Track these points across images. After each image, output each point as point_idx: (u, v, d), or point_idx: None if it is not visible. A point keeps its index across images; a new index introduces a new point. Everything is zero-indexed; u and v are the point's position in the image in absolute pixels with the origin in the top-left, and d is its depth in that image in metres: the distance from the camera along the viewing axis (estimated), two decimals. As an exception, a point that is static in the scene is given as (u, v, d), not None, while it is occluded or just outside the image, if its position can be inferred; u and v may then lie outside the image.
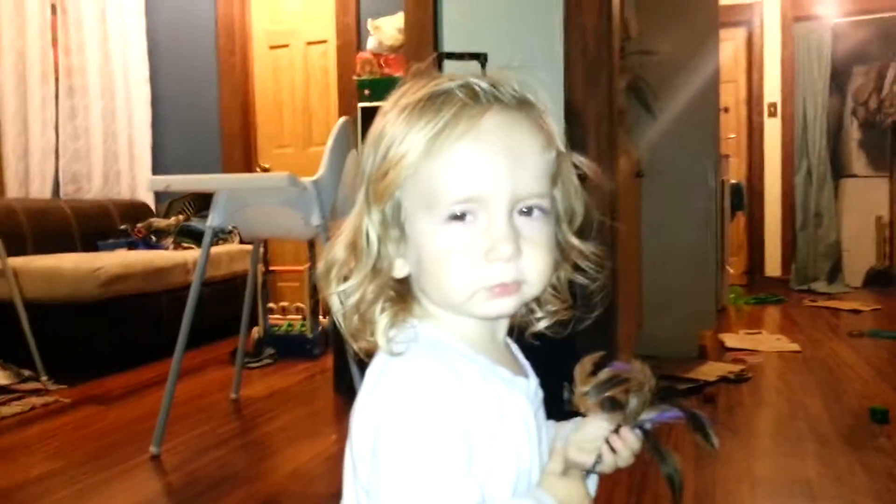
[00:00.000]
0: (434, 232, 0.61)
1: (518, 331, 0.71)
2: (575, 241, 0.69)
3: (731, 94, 5.60)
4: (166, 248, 3.95)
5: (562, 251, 0.68)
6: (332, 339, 2.75)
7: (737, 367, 2.86)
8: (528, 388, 0.67)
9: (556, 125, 0.66)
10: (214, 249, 3.83)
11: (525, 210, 0.62)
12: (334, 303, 0.65)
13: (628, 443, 0.66)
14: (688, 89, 3.12)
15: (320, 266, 0.66)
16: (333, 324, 2.37)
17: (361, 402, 0.62)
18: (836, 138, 5.71)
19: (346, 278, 0.64)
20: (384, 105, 0.65)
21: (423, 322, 0.65)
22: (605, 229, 0.74)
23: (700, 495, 1.70)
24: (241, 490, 1.77)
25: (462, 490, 0.56)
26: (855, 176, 5.60)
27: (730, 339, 3.45)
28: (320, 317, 3.34)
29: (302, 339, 3.31)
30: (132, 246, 3.93)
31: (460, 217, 0.60)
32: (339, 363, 2.62)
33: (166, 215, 4.38)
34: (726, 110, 5.25)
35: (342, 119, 2.25)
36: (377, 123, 0.64)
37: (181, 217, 4.30)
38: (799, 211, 5.60)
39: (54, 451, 2.12)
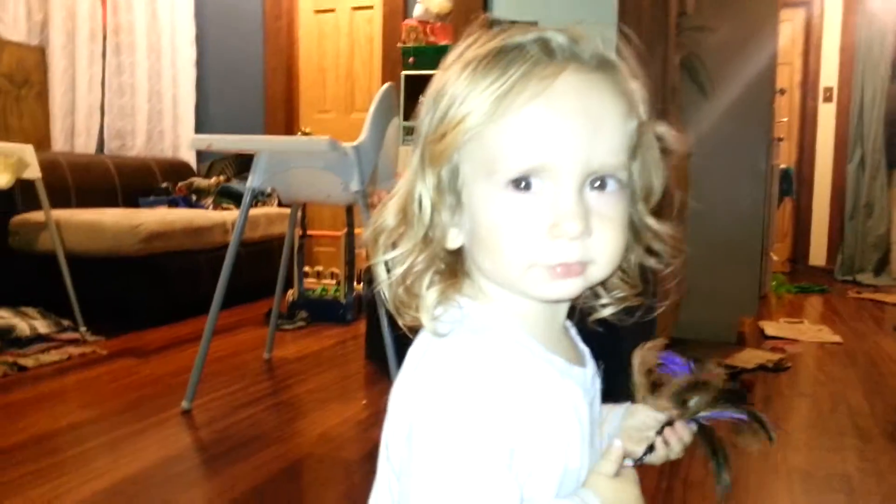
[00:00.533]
0: (493, 199, 0.55)
1: (579, 315, 0.65)
2: (651, 221, 0.63)
3: (786, 77, 5.42)
4: (206, 208, 3.98)
5: (635, 232, 0.62)
6: (366, 306, 2.74)
7: (776, 356, 2.79)
8: (584, 378, 0.62)
9: (641, 91, 0.59)
10: (253, 211, 3.85)
11: (598, 183, 0.56)
12: (380, 272, 0.59)
13: (682, 437, 0.63)
14: (743, 70, 3.01)
15: (368, 232, 0.60)
16: (368, 291, 2.36)
17: (400, 383, 0.58)
18: (894, 127, 5.49)
19: (394, 246, 0.59)
20: (447, 58, 0.58)
21: (474, 301, 0.60)
22: (682, 209, 0.67)
23: (734, 485, 1.66)
24: (270, 450, 1.78)
25: (499, 488, 0.51)
26: (911, 166, 5.40)
27: (770, 327, 3.37)
28: (355, 283, 3.34)
29: (335, 304, 3.32)
30: (173, 204, 3.97)
31: (524, 186, 0.54)
32: (371, 330, 2.61)
33: (207, 175, 4.41)
34: (782, 92, 5.08)
35: (386, 85, 2.22)
36: (438, 79, 0.58)
37: (222, 178, 4.32)
38: (849, 200, 5.42)
39: (89, 400, 2.15)
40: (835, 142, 5.46)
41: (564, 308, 0.63)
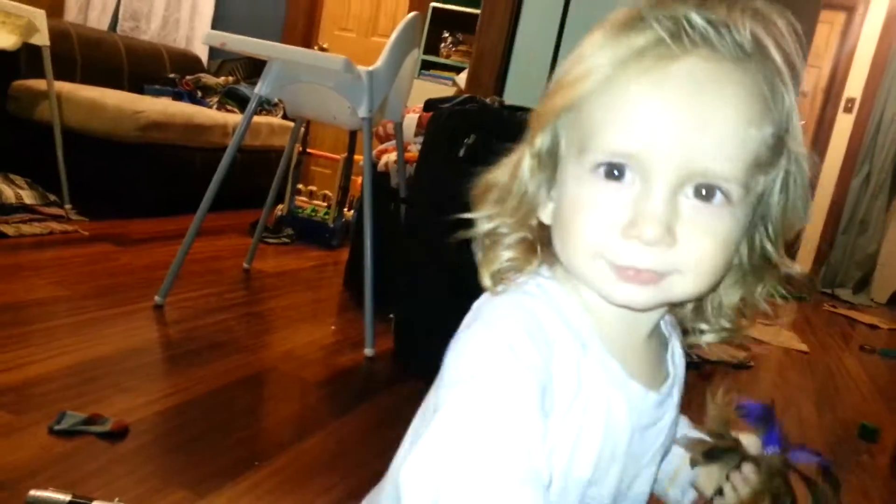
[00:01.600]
0: (579, 180, 0.51)
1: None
2: (775, 252, 0.56)
3: (811, 80, 5.36)
4: (210, 106, 3.93)
5: (760, 265, 0.57)
6: (353, 235, 2.74)
7: (741, 354, 2.84)
8: (642, 399, 0.56)
9: (790, 99, 0.51)
10: (256, 119, 3.81)
11: (703, 192, 0.49)
12: (478, 225, 0.58)
13: (749, 481, 0.60)
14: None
15: (479, 184, 0.58)
16: (356, 218, 2.36)
17: (453, 340, 0.55)
18: (907, 150, 5.47)
19: (499, 202, 0.57)
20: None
21: (552, 280, 0.56)
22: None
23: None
24: (235, 358, 1.81)
25: (528, 427, 0.47)
26: (914, 192, 5.39)
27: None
28: (346, 210, 3.34)
29: (322, 226, 3.32)
30: (177, 96, 3.91)
31: (614, 174, 0.49)
32: (353, 259, 2.62)
33: (216, 73, 4.35)
34: (804, 95, 5.02)
35: (412, 14, 2.17)
36: (576, 46, 0.54)
37: (230, 78, 4.26)
38: (846, 213, 5.43)
39: (63, 278, 2.16)
40: (845, 153, 5.43)
41: (647, 319, 0.58)
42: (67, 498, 1.04)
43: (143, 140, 3.08)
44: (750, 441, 0.60)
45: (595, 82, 0.50)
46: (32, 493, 1.06)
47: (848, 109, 5.40)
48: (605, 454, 0.55)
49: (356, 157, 3.09)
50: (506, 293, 0.55)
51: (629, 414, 0.55)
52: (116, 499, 1.08)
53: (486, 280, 0.57)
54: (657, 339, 0.61)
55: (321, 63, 1.95)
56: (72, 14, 3.89)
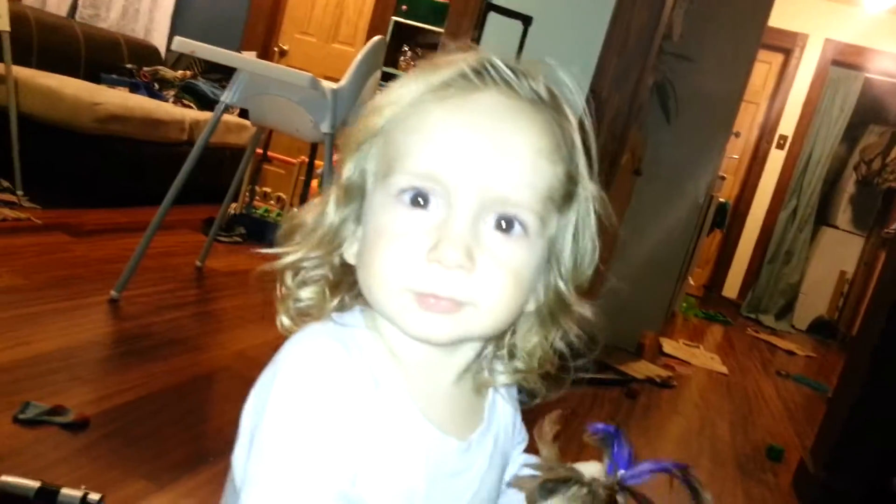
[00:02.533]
0: (384, 208, 0.51)
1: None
2: (570, 294, 0.57)
3: (749, 115, 5.66)
4: (166, 100, 3.95)
5: (554, 307, 0.57)
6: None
7: (665, 373, 3.03)
8: (441, 445, 0.54)
9: (586, 147, 0.55)
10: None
11: (503, 224, 0.51)
12: (281, 258, 0.57)
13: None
14: (708, 106, 3.18)
15: (288, 220, 0.58)
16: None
17: (254, 389, 0.54)
18: (832, 187, 5.83)
19: (302, 238, 0.57)
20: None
21: (353, 320, 0.55)
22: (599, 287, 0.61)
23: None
24: (190, 356, 1.88)
25: (318, 475, 0.47)
26: (836, 227, 5.75)
27: (668, 346, 3.62)
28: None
29: (274, 227, 3.37)
30: (134, 88, 3.91)
31: (417, 200, 0.50)
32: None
33: (173, 66, 4.35)
34: (737, 135, 5.31)
35: (378, 38, 2.28)
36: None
37: (188, 73, 4.28)
38: (773, 244, 5.76)
39: (16, 268, 2.19)
40: (776, 187, 5.76)
41: (453, 363, 0.57)
42: (37, 484, 1.12)
43: (101, 131, 3.10)
44: (591, 468, 0.54)
45: (400, 108, 0.52)
46: (3, 478, 1.12)
47: (780, 146, 5.73)
48: (400, 498, 0.52)
49: (316, 162, 3.17)
50: (304, 331, 0.54)
51: (425, 459, 0.53)
52: (82, 486, 1.15)
53: (282, 319, 0.57)
54: (470, 385, 0.59)
55: (288, 78, 2.04)
56: (30, -3, 3.87)
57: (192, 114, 3.74)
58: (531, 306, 0.57)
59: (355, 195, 0.55)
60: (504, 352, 0.59)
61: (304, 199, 3.18)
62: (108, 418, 1.45)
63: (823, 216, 5.81)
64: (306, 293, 0.57)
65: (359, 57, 2.17)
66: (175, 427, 1.52)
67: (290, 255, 0.57)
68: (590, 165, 0.56)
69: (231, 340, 2.09)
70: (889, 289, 2.15)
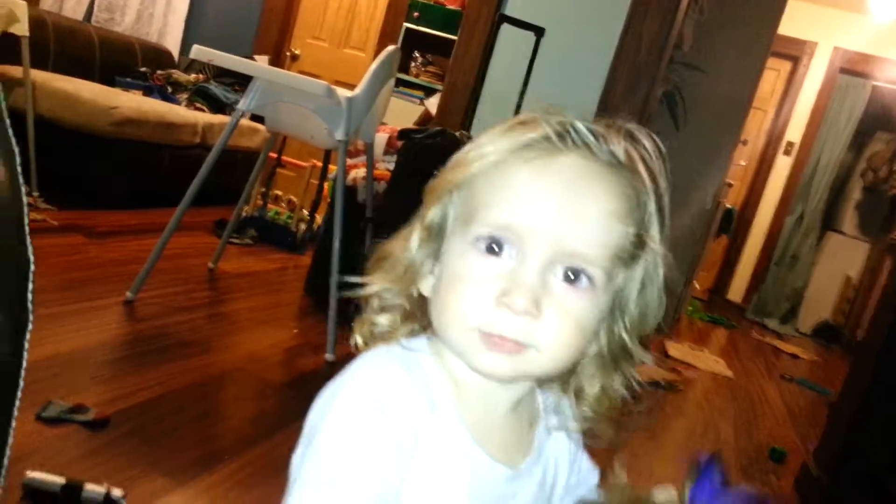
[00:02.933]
0: (461, 253, 0.55)
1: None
2: (633, 345, 0.60)
3: (757, 122, 5.68)
4: (179, 103, 4.00)
5: (616, 355, 0.60)
6: (318, 243, 2.86)
7: (671, 377, 3.06)
8: (489, 470, 0.57)
9: (660, 209, 0.58)
10: (226, 119, 3.90)
11: (571, 275, 0.54)
12: (364, 287, 0.61)
13: None
14: (717, 115, 3.21)
15: (377, 251, 0.62)
16: (323, 228, 2.45)
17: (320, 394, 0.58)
18: (839, 193, 5.85)
19: (386, 270, 0.61)
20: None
21: (422, 348, 0.59)
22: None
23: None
24: (203, 357, 1.93)
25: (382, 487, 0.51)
26: (842, 233, 5.77)
27: (674, 349, 3.65)
28: (313, 217, 3.47)
29: (285, 230, 3.44)
30: (148, 91, 3.97)
31: (492, 248, 0.54)
32: (316, 267, 2.75)
33: (186, 70, 4.41)
34: (745, 143, 5.33)
35: (393, 47, 2.32)
36: None
37: (200, 76, 4.34)
38: (779, 248, 5.78)
39: (37, 269, 2.23)
40: (782, 193, 5.78)
41: (508, 395, 0.60)
42: (62, 481, 1.16)
43: (115, 135, 3.15)
44: (665, 494, 0.58)
45: (486, 164, 0.56)
46: (29, 474, 1.17)
47: (787, 152, 5.75)
48: None
49: (330, 166, 3.21)
50: (372, 352, 0.58)
51: (471, 482, 0.56)
52: (105, 483, 1.20)
53: (357, 339, 0.61)
54: (525, 416, 0.63)
55: (304, 87, 2.08)
56: (47, 2, 3.92)
57: (204, 117, 3.79)
58: (593, 349, 0.60)
59: (436, 236, 0.59)
60: (571, 395, 0.62)
61: (316, 203, 3.23)
62: (126, 417, 1.50)
63: (830, 222, 5.83)
64: (383, 319, 0.61)
65: (374, 66, 2.21)
66: (192, 426, 1.56)
67: (376, 284, 0.60)
68: (661, 228, 0.59)
69: (244, 342, 2.14)
70: (893, 295, 2.18)
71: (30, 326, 0.43)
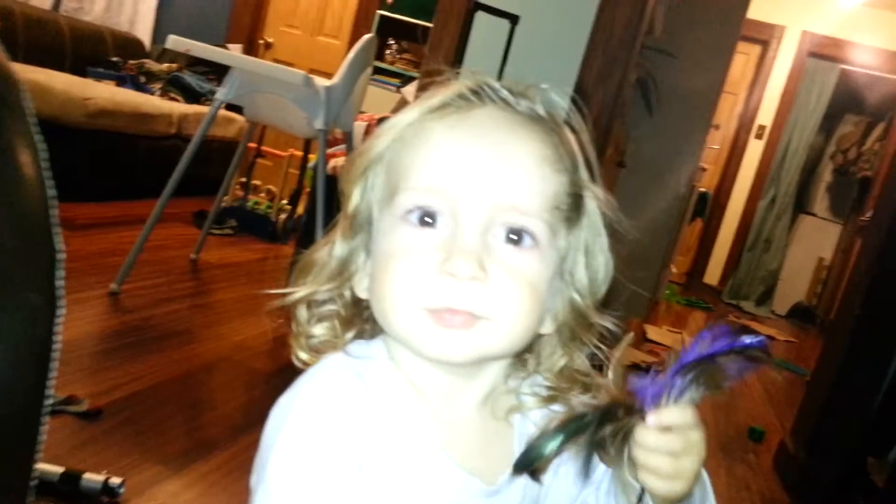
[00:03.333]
0: (390, 230, 0.52)
1: None
2: (588, 310, 0.56)
3: (728, 106, 5.76)
4: (153, 93, 3.96)
5: (574, 321, 0.56)
6: (301, 233, 2.86)
7: (650, 359, 3.11)
8: (465, 487, 0.52)
9: (586, 158, 0.55)
10: (200, 108, 3.87)
11: (513, 235, 0.50)
12: (292, 295, 0.58)
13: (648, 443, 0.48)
14: (689, 100, 3.26)
15: (300, 260, 0.59)
16: (305, 218, 2.45)
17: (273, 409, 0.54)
18: (809, 175, 5.96)
19: (313, 275, 0.57)
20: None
21: (370, 352, 0.55)
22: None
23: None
24: (190, 347, 1.93)
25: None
26: (814, 215, 5.88)
27: (652, 332, 3.71)
28: (292, 206, 3.46)
29: (265, 220, 3.43)
30: (121, 81, 3.92)
31: (425, 220, 0.50)
32: (298, 255, 2.75)
33: (158, 59, 4.36)
34: (717, 127, 5.40)
35: (369, 35, 2.33)
36: None
37: (174, 65, 4.29)
38: (752, 232, 5.88)
39: (18, 262, 2.22)
40: (755, 177, 5.87)
41: (473, 387, 0.55)
42: (61, 470, 1.17)
43: (90, 126, 3.12)
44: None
45: (399, 130, 0.53)
46: (25, 465, 1.17)
47: (759, 136, 5.83)
48: None
49: (310, 156, 3.21)
50: (321, 363, 0.53)
51: (446, 498, 0.52)
52: (104, 472, 1.20)
53: (298, 354, 0.56)
54: (496, 420, 0.57)
55: (282, 76, 2.08)
56: (14, -10, 3.86)
57: (179, 107, 3.76)
58: (550, 327, 0.56)
59: (362, 226, 0.55)
60: (529, 377, 0.58)
61: (297, 193, 3.23)
62: (118, 408, 1.50)
63: (801, 204, 5.93)
64: (319, 329, 0.57)
65: (351, 55, 2.22)
66: (183, 415, 1.57)
67: (301, 290, 0.57)
68: (591, 176, 0.55)
69: (230, 332, 2.14)
70: (864, 275, 2.25)
71: (62, 311, 0.44)
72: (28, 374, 0.44)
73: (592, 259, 0.56)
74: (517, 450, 0.54)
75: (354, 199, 0.55)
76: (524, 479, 0.54)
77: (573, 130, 0.55)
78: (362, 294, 0.55)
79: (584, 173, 0.55)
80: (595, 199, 0.55)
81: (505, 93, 0.53)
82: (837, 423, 2.16)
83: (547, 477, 0.57)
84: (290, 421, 0.49)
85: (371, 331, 0.57)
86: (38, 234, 0.44)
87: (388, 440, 0.50)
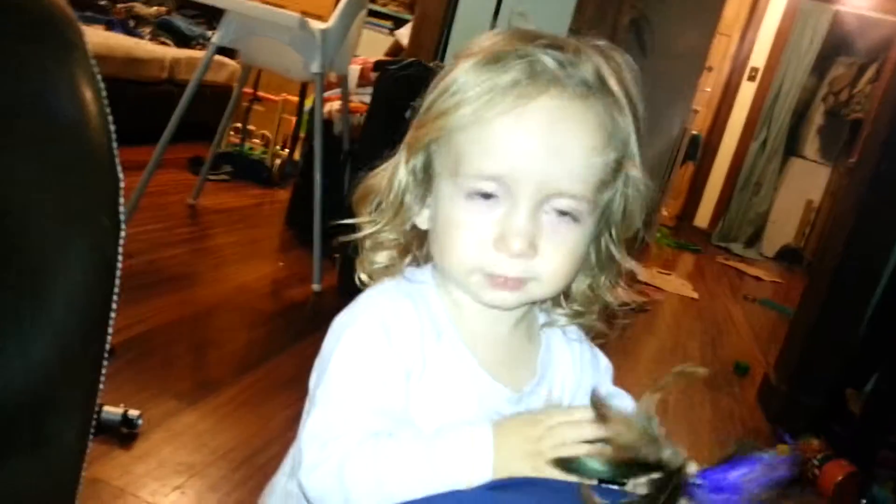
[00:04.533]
0: (453, 200, 0.59)
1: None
2: (619, 252, 0.65)
3: (722, 48, 5.72)
4: (143, 37, 3.92)
5: (603, 259, 0.65)
6: (298, 177, 2.89)
7: (641, 299, 3.19)
8: (493, 392, 0.62)
9: (637, 133, 0.61)
10: (194, 53, 3.84)
11: (560, 211, 0.58)
12: (359, 229, 0.64)
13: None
14: (682, 40, 3.26)
15: (360, 188, 0.65)
16: (303, 160, 2.48)
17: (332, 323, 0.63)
18: (800, 118, 5.97)
19: (379, 206, 0.64)
20: (465, 48, 0.61)
21: (423, 275, 0.64)
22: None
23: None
24: (194, 290, 1.99)
25: (381, 388, 0.57)
26: (804, 158, 5.91)
27: (643, 274, 3.79)
28: (286, 150, 3.48)
29: (260, 164, 3.44)
30: (110, 25, 3.87)
31: (483, 196, 0.58)
32: (296, 200, 2.78)
33: (147, 2, 4.30)
34: (709, 69, 5.39)
35: (364, -23, 2.32)
36: (449, 66, 0.61)
37: (163, 9, 4.23)
38: (743, 174, 5.92)
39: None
40: (746, 119, 5.88)
41: (510, 315, 0.64)
42: (81, 403, 1.23)
43: (83, 71, 3.10)
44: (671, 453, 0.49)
45: (463, 117, 0.58)
46: (47, 398, 1.23)
47: (752, 78, 5.83)
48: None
49: (306, 100, 3.22)
50: (379, 286, 0.63)
51: (479, 403, 0.61)
52: (122, 404, 1.27)
53: (362, 277, 0.65)
54: (526, 335, 0.67)
55: (278, 20, 2.08)
56: (-3, -69, 3.77)
57: (171, 52, 3.73)
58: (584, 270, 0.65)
59: (423, 178, 0.63)
60: (562, 300, 0.67)
61: (294, 138, 3.24)
62: (129, 347, 1.56)
63: (792, 147, 5.96)
64: (381, 257, 0.65)
65: (345, -2, 2.22)
66: (191, 354, 1.63)
67: (368, 227, 0.64)
68: (639, 142, 0.62)
69: (232, 274, 2.19)
70: (847, 215, 2.31)
71: (124, 234, 0.49)
72: (98, 293, 0.50)
73: (628, 206, 0.63)
74: (540, 369, 0.66)
75: (417, 160, 0.62)
76: (546, 387, 0.65)
77: (630, 100, 0.60)
78: (423, 225, 0.64)
79: (632, 145, 0.61)
80: (635, 168, 0.63)
81: (559, 70, 0.57)
82: (819, 358, 2.25)
83: (565, 395, 0.67)
84: (349, 333, 0.58)
85: (424, 257, 0.65)
86: (105, 163, 0.49)
87: (432, 354, 0.59)
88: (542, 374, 0.66)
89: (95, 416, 1.13)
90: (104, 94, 0.49)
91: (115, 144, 0.50)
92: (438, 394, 0.59)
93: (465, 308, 0.62)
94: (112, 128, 0.50)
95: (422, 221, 0.64)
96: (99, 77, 0.49)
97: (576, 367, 0.69)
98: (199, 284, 2.03)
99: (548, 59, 0.57)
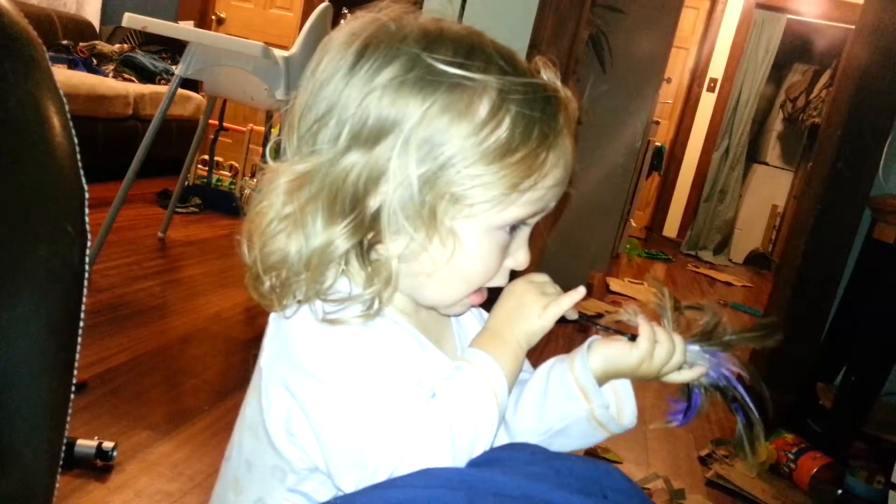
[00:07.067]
0: (480, 235, 0.58)
1: None
2: None
3: (680, 61, 5.86)
4: (106, 75, 3.92)
5: None
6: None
7: (613, 309, 3.22)
8: (441, 362, 0.63)
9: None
10: (158, 88, 3.85)
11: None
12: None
13: (664, 340, 0.64)
14: (640, 54, 3.33)
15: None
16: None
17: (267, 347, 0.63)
18: (761, 125, 6.11)
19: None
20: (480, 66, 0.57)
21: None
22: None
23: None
24: (167, 321, 1.98)
25: (412, 394, 0.55)
26: (766, 164, 6.04)
27: (615, 284, 3.84)
28: (254, 180, 3.48)
29: (229, 196, 3.45)
30: (73, 65, 3.87)
31: (514, 227, 0.61)
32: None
33: (109, 40, 4.30)
34: (668, 81, 5.50)
35: (325, 4, 2.35)
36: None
37: (125, 46, 4.24)
38: (708, 183, 6.03)
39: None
40: (708, 129, 6.00)
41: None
42: (54, 437, 1.22)
43: (46, 110, 3.09)
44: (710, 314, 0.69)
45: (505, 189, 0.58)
46: (20, 435, 1.22)
47: (711, 88, 5.96)
48: None
49: (273, 130, 3.23)
50: (344, 332, 0.57)
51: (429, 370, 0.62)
52: (95, 437, 1.26)
53: (308, 300, 0.58)
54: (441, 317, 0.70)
55: (240, 48, 2.10)
56: (-46, -25, 3.77)
57: (135, 87, 3.74)
58: None
59: (425, 209, 0.56)
60: None
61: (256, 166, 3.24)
62: (102, 380, 1.55)
63: (754, 154, 6.09)
64: (340, 280, 0.59)
65: (308, 24, 2.25)
66: (165, 384, 1.62)
67: (317, 236, 0.58)
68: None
69: (204, 305, 2.19)
70: (807, 216, 2.37)
71: (89, 244, 0.51)
72: (66, 300, 0.51)
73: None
74: (457, 336, 0.70)
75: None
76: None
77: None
78: (396, 251, 0.57)
79: None
80: None
81: (574, 110, 0.63)
82: (788, 355, 2.30)
83: None
84: (355, 346, 0.56)
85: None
86: (69, 174, 0.50)
87: (411, 356, 0.60)
88: (463, 345, 0.68)
89: (68, 448, 1.12)
90: (66, 108, 0.51)
91: (78, 156, 0.51)
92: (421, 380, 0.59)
93: (410, 310, 0.64)
94: (76, 140, 0.52)
95: (396, 247, 0.57)
96: (62, 92, 0.51)
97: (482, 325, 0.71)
98: (171, 315, 2.03)
99: (571, 101, 0.63)
